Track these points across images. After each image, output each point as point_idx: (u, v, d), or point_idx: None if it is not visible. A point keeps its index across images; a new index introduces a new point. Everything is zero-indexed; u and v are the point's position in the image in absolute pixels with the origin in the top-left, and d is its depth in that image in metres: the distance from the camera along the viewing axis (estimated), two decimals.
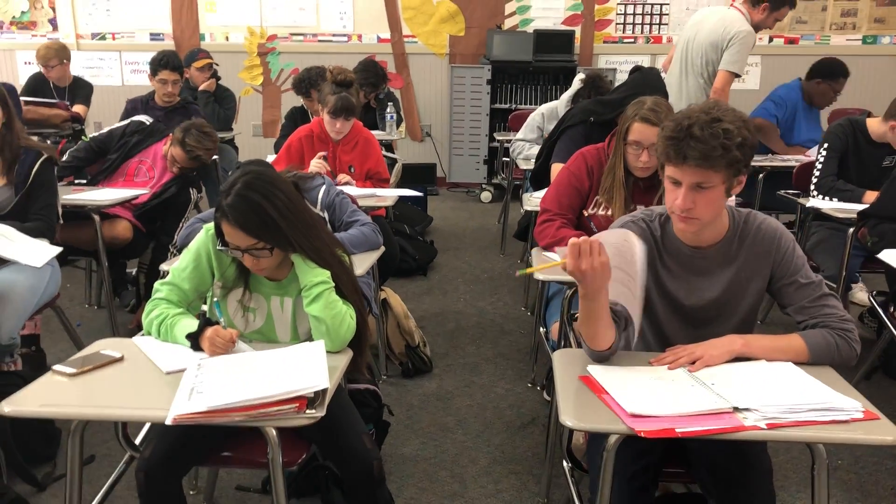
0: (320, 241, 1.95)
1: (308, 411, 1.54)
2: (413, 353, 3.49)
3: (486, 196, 6.85)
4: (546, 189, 3.27)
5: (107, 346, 1.91)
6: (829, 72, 4.62)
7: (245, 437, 1.90)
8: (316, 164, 3.64)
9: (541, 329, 3.02)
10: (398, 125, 5.33)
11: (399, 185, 4.80)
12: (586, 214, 2.79)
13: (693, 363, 1.77)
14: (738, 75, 4.19)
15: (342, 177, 3.71)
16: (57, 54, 5.42)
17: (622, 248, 1.76)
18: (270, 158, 4.27)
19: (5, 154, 2.96)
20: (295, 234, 1.87)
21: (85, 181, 3.87)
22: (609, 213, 2.75)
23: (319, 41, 7.04)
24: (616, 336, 1.79)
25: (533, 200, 3.36)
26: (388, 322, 3.46)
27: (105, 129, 4.01)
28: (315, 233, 1.95)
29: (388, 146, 5.29)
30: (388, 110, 5.20)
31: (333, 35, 7.02)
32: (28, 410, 1.62)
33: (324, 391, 1.57)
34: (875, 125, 3.50)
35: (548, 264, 1.98)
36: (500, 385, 3.40)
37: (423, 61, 7.14)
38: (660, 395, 1.62)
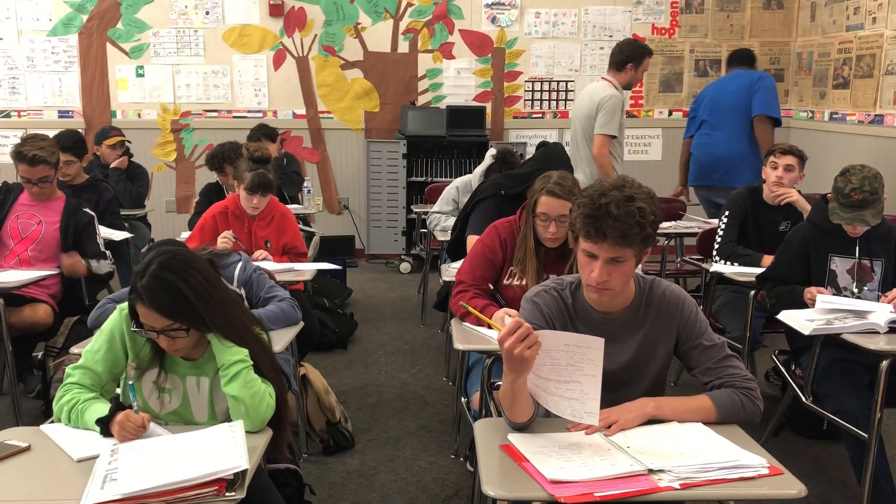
0: (237, 319, 1.95)
1: (228, 494, 1.51)
2: (334, 430, 3.44)
3: (405, 267, 6.90)
4: (462, 260, 3.35)
5: (11, 436, 1.84)
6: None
7: None
8: (221, 243, 3.63)
9: (462, 399, 3.04)
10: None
11: (317, 258, 4.80)
12: (504, 284, 2.86)
13: (608, 427, 1.82)
14: (613, 136, 4.64)
15: (259, 253, 3.69)
16: None
17: (586, 352, 1.74)
18: (185, 235, 4.23)
19: None
20: (211, 313, 1.86)
21: None
22: (523, 282, 2.82)
23: (234, 117, 7.06)
24: (535, 409, 1.84)
25: (450, 271, 3.42)
26: (309, 398, 3.42)
27: None
28: (232, 311, 1.94)
29: (305, 220, 5.30)
30: (306, 184, 5.23)
31: (248, 111, 7.05)
32: None
33: (243, 472, 1.55)
34: (766, 190, 3.74)
35: (483, 316, 2.02)
36: (424, 458, 3.38)
37: (339, 136, 7.23)
38: (578, 460, 1.66)
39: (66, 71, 6.93)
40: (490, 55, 7.18)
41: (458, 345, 2.54)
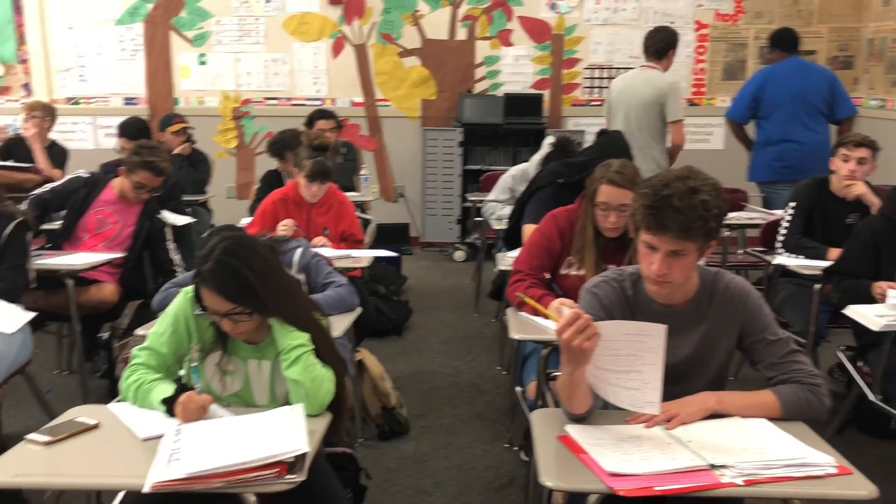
0: (298, 304, 1.97)
1: (288, 476, 1.53)
2: (389, 415, 3.47)
3: (459, 255, 6.91)
4: (520, 249, 3.33)
5: (81, 414, 1.90)
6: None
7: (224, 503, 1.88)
8: (282, 230, 3.66)
9: (517, 388, 3.03)
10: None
11: (373, 245, 4.83)
12: (561, 274, 2.84)
13: (669, 421, 1.79)
14: (682, 120, 4.77)
15: (318, 239, 3.73)
16: (43, 108, 5.42)
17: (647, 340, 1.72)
18: (245, 221, 4.30)
19: None
20: (273, 298, 1.89)
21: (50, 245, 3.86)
22: (581, 272, 2.80)
23: (294, 105, 7.14)
24: (593, 401, 1.82)
25: (506, 260, 3.41)
26: (364, 384, 3.45)
27: (47, 187, 4.00)
28: (293, 296, 1.97)
29: (362, 207, 5.33)
30: (363, 172, 5.26)
31: (307, 99, 7.13)
32: (2, 481, 1.60)
33: (304, 455, 1.57)
34: (835, 182, 3.62)
35: (540, 306, 2.01)
36: (477, 446, 3.38)
37: (395, 124, 7.25)
38: (638, 453, 1.64)
39: (132, 59, 7.10)
40: (549, 42, 7.11)
41: (515, 334, 2.53)
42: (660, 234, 1.78)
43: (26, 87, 7.14)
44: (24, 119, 5.38)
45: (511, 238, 3.83)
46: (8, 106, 7.02)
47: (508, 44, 7.12)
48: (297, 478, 1.54)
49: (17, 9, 6.97)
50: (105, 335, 4.05)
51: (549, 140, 4.57)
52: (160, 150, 3.80)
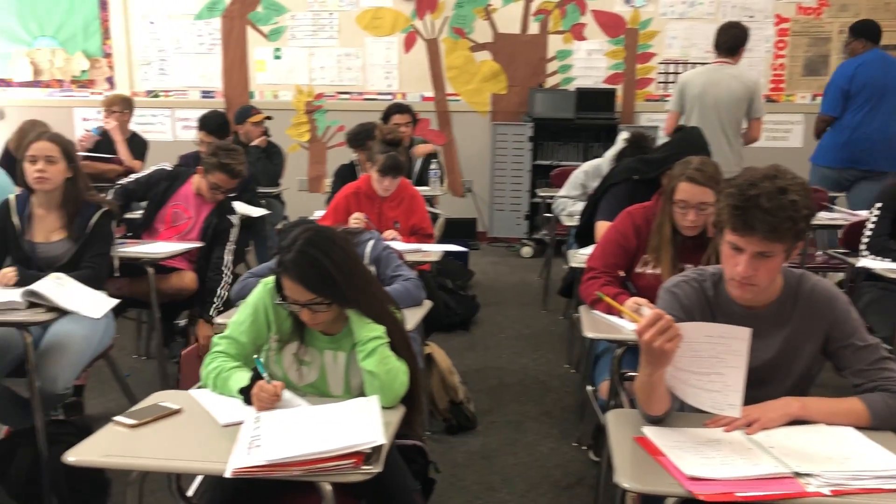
0: (375, 296, 1.99)
1: (364, 467, 1.55)
2: (457, 410, 3.47)
3: (526, 251, 6.87)
4: (592, 246, 3.29)
5: (165, 398, 1.95)
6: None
7: (297, 491, 1.91)
8: (353, 223, 3.69)
9: (588, 388, 3.00)
10: (442, 180, 5.40)
11: (440, 239, 4.84)
12: (637, 272, 2.79)
13: (749, 426, 1.75)
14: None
15: (389, 233, 3.76)
16: (122, 102, 5.61)
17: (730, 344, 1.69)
18: (318, 214, 4.36)
19: (68, 208, 3.07)
20: (351, 289, 1.92)
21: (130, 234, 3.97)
22: (657, 271, 2.74)
23: (365, 99, 7.21)
24: (671, 402, 1.78)
25: (578, 257, 3.37)
26: (433, 377, 3.46)
27: (132, 178, 4.12)
28: (370, 288, 1.99)
29: (430, 201, 5.35)
30: (433, 166, 5.28)
31: (379, 93, 7.19)
32: (92, 460, 1.66)
33: (380, 447, 1.58)
34: None
35: (621, 307, 1.99)
36: (546, 444, 3.36)
37: (465, 118, 7.26)
38: (718, 457, 1.60)
39: (209, 53, 7.28)
40: (622, 36, 7.01)
41: (588, 333, 2.49)
42: (746, 236, 1.73)
43: (109, 80, 7.39)
44: (104, 114, 5.57)
45: (583, 235, 3.79)
46: (93, 98, 7.27)
47: (581, 38, 7.05)
48: (374, 469, 1.56)
49: (103, 5, 7.22)
50: (182, 322, 4.16)
51: (622, 136, 4.50)
52: (237, 152, 3.86)
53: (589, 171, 4.67)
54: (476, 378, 4.07)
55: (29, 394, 2.80)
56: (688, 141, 3.53)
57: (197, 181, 3.91)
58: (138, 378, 4.00)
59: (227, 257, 3.82)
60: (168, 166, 4.11)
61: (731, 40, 4.77)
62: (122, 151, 5.45)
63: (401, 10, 7.07)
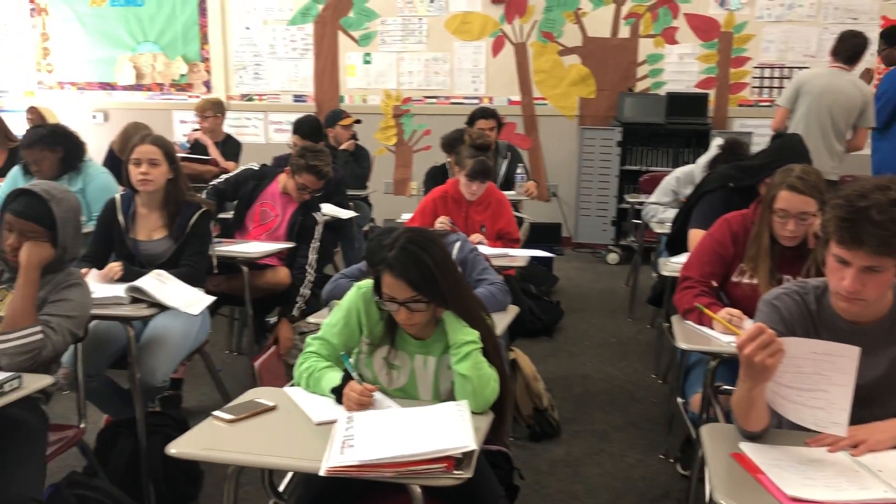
0: (471, 300, 2.00)
1: (455, 472, 1.55)
2: (541, 417, 3.45)
3: (612, 258, 6.77)
4: (684, 254, 3.22)
5: (261, 395, 2.00)
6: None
7: (385, 492, 1.92)
8: (439, 226, 3.71)
9: (678, 399, 2.93)
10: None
11: (524, 244, 4.81)
12: (733, 282, 2.71)
13: (855, 447, 1.67)
14: None
15: (475, 236, 3.76)
16: (213, 106, 5.81)
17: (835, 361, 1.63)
18: (406, 216, 4.41)
19: (169, 208, 3.19)
20: (450, 290, 1.93)
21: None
22: (754, 281, 2.66)
23: (452, 103, 7.25)
24: (770, 419, 1.72)
25: (670, 265, 3.30)
26: (517, 383, 3.45)
27: (223, 178, 4.24)
28: (466, 292, 2.00)
29: (515, 206, 5.32)
30: (519, 170, 5.26)
31: (465, 97, 7.22)
32: (192, 453, 1.72)
33: (471, 453, 1.58)
34: None
35: (724, 321, 1.94)
36: (631, 455, 3.30)
37: (552, 122, 7.21)
38: (821, 479, 1.53)
39: (302, 58, 7.45)
40: (716, 40, 6.83)
41: (681, 343, 2.44)
42: (854, 249, 1.65)
43: (206, 84, 7.65)
44: (199, 120, 5.79)
45: (675, 243, 3.71)
46: (191, 101, 7.54)
47: (673, 42, 6.90)
48: (464, 474, 1.56)
49: (203, 11, 7.49)
50: (272, 320, 4.27)
51: (717, 142, 4.38)
52: (324, 154, 3.94)
53: (681, 178, 4.56)
54: (560, 385, 4.03)
55: (129, 385, 2.93)
56: (788, 148, 3.41)
57: (283, 180, 4.00)
58: (229, 373, 4.12)
59: (312, 256, 3.90)
60: (255, 166, 4.24)
61: (852, 48, 4.77)
62: (214, 154, 5.65)
63: (490, 14, 7.07)
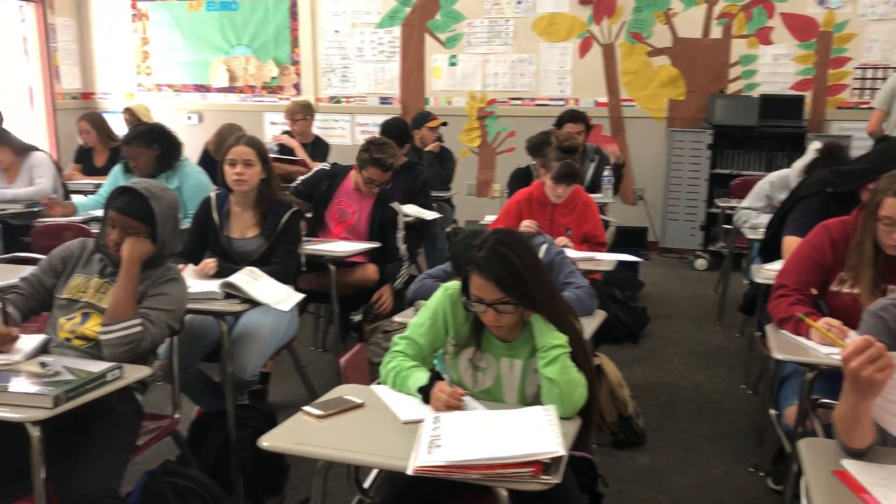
0: (560, 303, 1.98)
1: (544, 477, 1.53)
2: (625, 424, 3.39)
3: (700, 263, 6.60)
4: (778, 262, 3.11)
5: (348, 392, 2.03)
6: None
7: (469, 493, 1.92)
8: (524, 228, 3.68)
9: (771, 411, 2.82)
10: (616, 190, 5.30)
11: (610, 248, 4.73)
12: (832, 291, 2.60)
13: None
14: None
15: (560, 240, 3.72)
16: (302, 109, 5.94)
17: None
18: (489, 218, 4.40)
19: (262, 207, 3.27)
20: (539, 292, 1.92)
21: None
22: (854, 291, 2.54)
23: (537, 105, 7.21)
24: (875, 436, 1.64)
25: (764, 273, 3.19)
26: (602, 389, 3.39)
27: (299, 180, 4.31)
28: (555, 295, 1.98)
29: (601, 209, 5.25)
30: (606, 173, 5.18)
31: (551, 99, 7.17)
32: (284, 447, 1.76)
33: (560, 458, 1.56)
34: None
35: (824, 330, 1.88)
36: (719, 467, 3.21)
37: (639, 125, 7.08)
38: None
39: (389, 60, 7.54)
40: (814, 40, 6.58)
41: (777, 354, 2.35)
42: None
43: (296, 86, 7.83)
44: (289, 123, 5.94)
45: (768, 249, 3.58)
46: (281, 103, 7.73)
47: (768, 42, 6.68)
48: (552, 479, 1.54)
49: (294, 15, 7.67)
50: (357, 317, 4.33)
51: (814, 146, 4.21)
52: (388, 147, 3.96)
53: (775, 183, 4.41)
54: (645, 393, 3.95)
55: (220, 378, 3.02)
56: (892, 152, 3.25)
57: (354, 176, 4.06)
58: (314, 369, 4.20)
59: (401, 246, 3.98)
60: (327, 166, 4.31)
61: None
62: (302, 155, 5.77)
63: (577, 15, 7.00)
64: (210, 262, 3.12)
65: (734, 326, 4.98)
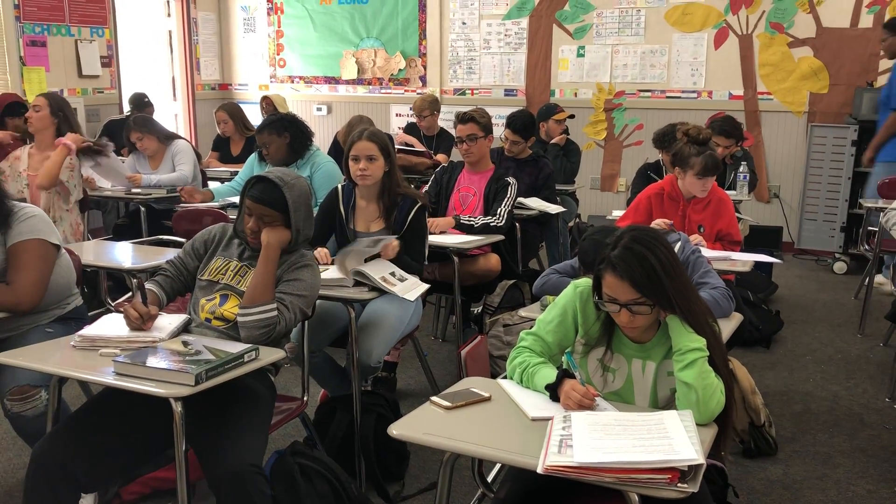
0: (698, 304, 1.90)
1: (681, 485, 1.47)
2: (756, 433, 3.23)
3: (839, 266, 6.22)
4: None
5: (475, 385, 2.02)
6: None
7: (596, 495, 1.87)
8: (656, 225, 3.56)
9: None
10: (752, 187, 5.06)
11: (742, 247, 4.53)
12: None
13: None
14: None
15: (694, 237, 3.58)
16: (430, 106, 6.03)
17: None
18: (617, 213, 4.30)
19: (385, 200, 3.29)
20: (676, 293, 1.84)
21: None
22: None
23: (667, 97, 6.99)
24: None
25: None
26: (734, 395, 3.24)
27: (432, 181, 4.36)
28: (693, 296, 1.90)
29: (736, 206, 5.02)
30: (742, 170, 4.96)
31: (682, 91, 6.92)
32: (414, 436, 1.76)
33: (698, 466, 1.50)
34: None
35: None
36: (860, 484, 3.01)
37: (777, 119, 6.74)
38: None
39: (515, 52, 7.49)
40: None
41: None
42: None
43: (422, 78, 7.91)
44: (417, 119, 6.05)
45: None
46: (407, 96, 7.84)
47: None
48: (689, 488, 1.48)
49: (423, 8, 7.74)
50: (477, 310, 4.34)
51: None
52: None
53: None
54: (778, 401, 3.76)
55: (347, 363, 3.08)
56: None
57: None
58: (434, 359, 4.24)
59: (504, 208, 3.98)
60: (445, 163, 4.38)
61: None
62: (420, 148, 5.87)
63: (713, 4, 6.73)
64: (322, 251, 3.19)
65: (878, 335, 4.67)
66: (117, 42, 7.32)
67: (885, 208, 4.37)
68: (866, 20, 6.34)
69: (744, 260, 3.48)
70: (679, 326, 1.87)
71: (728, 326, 2.63)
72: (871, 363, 4.30)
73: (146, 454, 2.34)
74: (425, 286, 3.07)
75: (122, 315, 2.32)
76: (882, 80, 6.34)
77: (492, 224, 3.93)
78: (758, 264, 3.96)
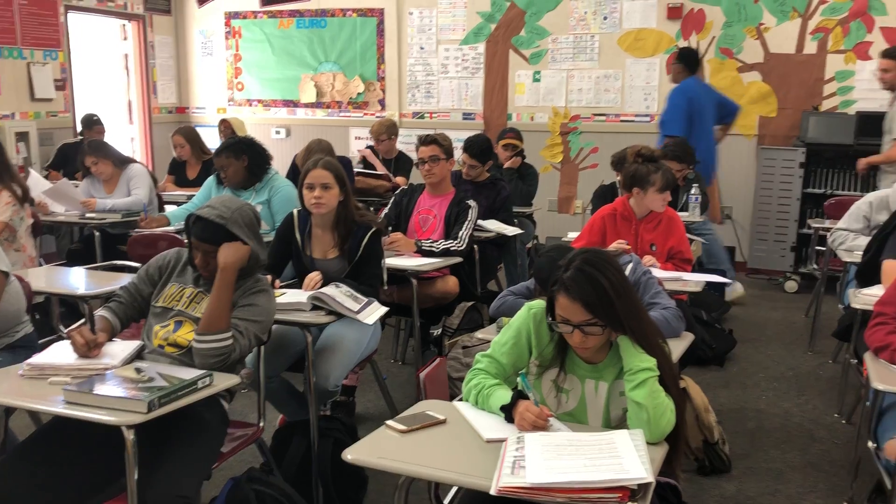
0: (648, 325, 1.93)
1: (630, 503, 1.50)
2: (710, 450, 3.28)
3: (790, 286, 6.37)
4: (878, 286, 2.98)
5: (430, 408, 2.03)
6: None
7: None
8: (615, 247, 3.63)
9: (869, 444, 2.69)
10: (703, 208, 5.17)
11: (694, 268, 4.61)
12: None
13: None
14: None
15: (647, 258, 3.65)
16: (387, 130, 6.07)
17: None
18: (572, 235, 4.36)
19: (340, 229, 3.27)
20: (627, 314, 1.87)
21: None
22: None
23: (622, 121, 7.12)
24: None
25: (861, 298, 3.06)
26: (687, 414, 3.30)
27: (391, 204, 4.38)
28: (643, 316, 1.93)
29: (688, 227, 5.13)
30: (693, 192, 5.07)
31: (636, 115, 7.07)
32: (368, 460, 1.77)
33: (647, 485, 1.53)
34: None
35: None
36: (810, 498, 3.08)
37: (728, 142, 6.84)
38: None
39: (473, 77, 7.58)
40: None
41: (877, 384, 2.24)
42: None
43: (381, 102, 7.95)
44: (374, 142, 6.09)
45: (866, 273, 3.43)
46: (366, 119, 7.87)
47: (866, 57, 6.42)
48: None
49: (381, 32, 7.80)
50: (437, 332, 4.35)
51: None
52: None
53: (874, 204, 4.20)
54: (731, 418, 3.82)
55: (304, 388, 3.06)
56: None
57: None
58: (393, 382, 4.24)
59: (465, 232, 4.01)
60: (405, 186, 4.41)
61: None
62: (382, 170, 5.90)
63: (665, 30, 6.89)
64: (315, 276, 3.17)
65: (826, 352, 4.79)
66: (71, 65, 7.24)
67: (832, 229, 4.51)
68: (811, 46, 6.55)
69: (695, 280, 3.55)
70: (630, 347, 1.90)
71: (679, 346, 2.68)
72: (821, 380, 4.40)
73: (98, 484, 2.29)
74: (384, 309, 3.07)
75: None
76: (828, 105, 6.56)
77: (452, 249, 3.96)
78: (711, 284, 4.04)
